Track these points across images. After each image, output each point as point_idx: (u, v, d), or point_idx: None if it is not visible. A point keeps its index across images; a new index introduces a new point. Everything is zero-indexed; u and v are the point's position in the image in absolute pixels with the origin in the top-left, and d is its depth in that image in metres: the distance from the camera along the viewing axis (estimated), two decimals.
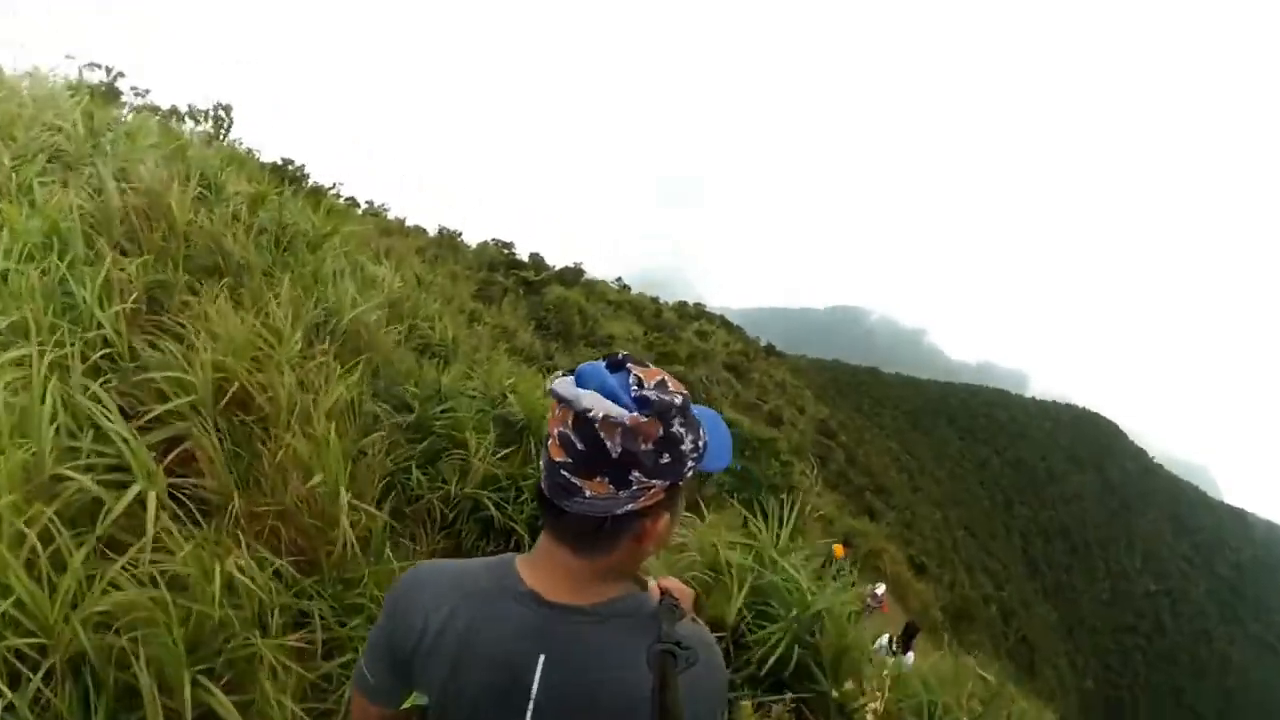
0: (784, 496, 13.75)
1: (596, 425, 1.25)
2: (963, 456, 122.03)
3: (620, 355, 1.36)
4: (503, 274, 35.86)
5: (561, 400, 1.28)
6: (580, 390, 1.27)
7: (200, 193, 6.49)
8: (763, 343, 71.19)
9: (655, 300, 58.84)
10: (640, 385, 1.29)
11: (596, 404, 1.24)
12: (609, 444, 1.26)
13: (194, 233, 5.69)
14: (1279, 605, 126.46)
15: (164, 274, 5.01)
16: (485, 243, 43.18)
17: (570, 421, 1.28)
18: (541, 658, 1.31)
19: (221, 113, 17.50)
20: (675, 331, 50.20)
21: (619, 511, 1.31)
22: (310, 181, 22.23)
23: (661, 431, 1.28)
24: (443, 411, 5.81)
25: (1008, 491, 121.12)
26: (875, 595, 15.93)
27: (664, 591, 1.46)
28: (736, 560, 5.41)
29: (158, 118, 11.60)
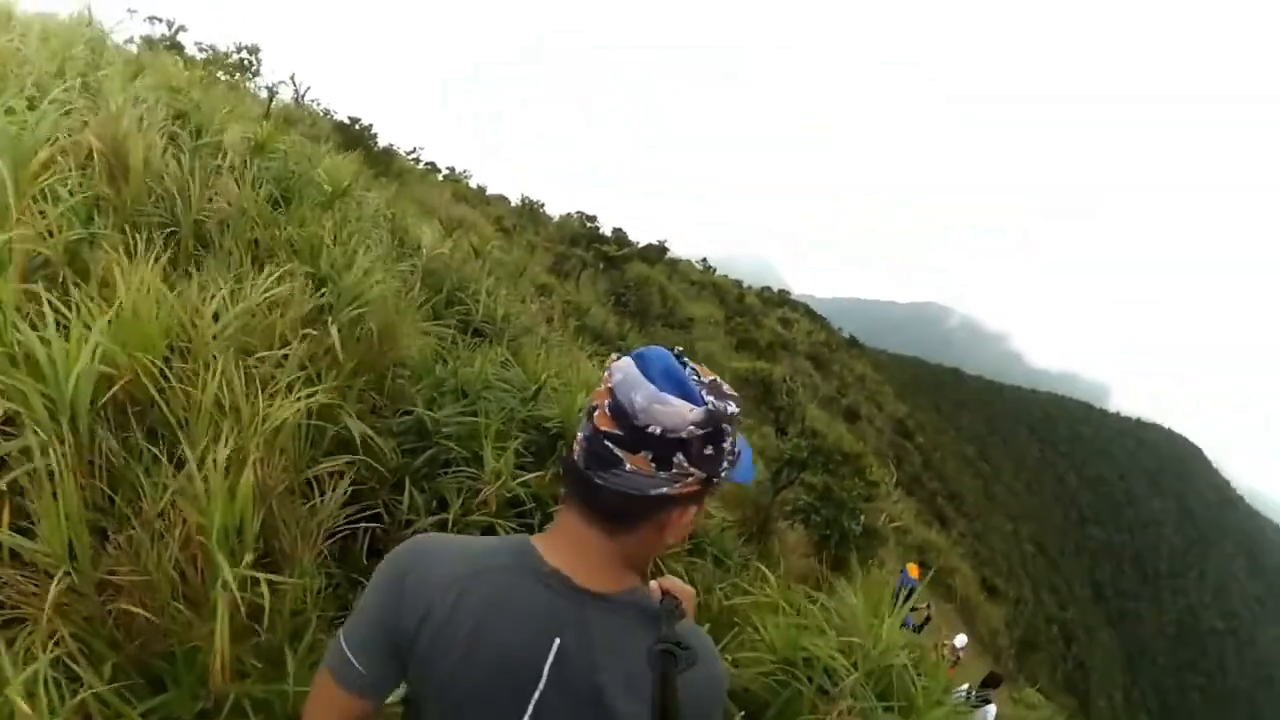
0: (862, 516, 13.50)
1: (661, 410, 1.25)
2: (1040, 468, 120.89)
3: (677, 349, 1.36)
4: (583, 248, 34.24)
5: (622, 385, 1.27)
6: (639, 374, 1.27)
7: (177, 137, 5.78)
8: (845, 334, 70.68)
9: (739, 284, 58.58)
10: (698, 376, 1.32)
11: (657, 402, 1.24)
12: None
13: (158, 183, 4.89)
14: None
15: (100, 229, 4.11)
16: (568, 215, 42.05)
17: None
18: (556, 642, 1.29)
19: (246, 55, 16.66)
20: (758, 317, 49.74)
21: (653, 492, 1.30)
22: (382, 143, 21.68)
23: (714, 425, 1.29)
24: (462, 411, 4.99)
25: (1083, 509, 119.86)
26: (956, 649, 15.26)
27: (665, 591, 1.45)
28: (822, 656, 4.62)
29: (180, 59, 10.80)
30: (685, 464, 1.28)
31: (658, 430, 1.25)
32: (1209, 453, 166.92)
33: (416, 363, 5.37)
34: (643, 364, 1.30)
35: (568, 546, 1.37)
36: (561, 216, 42.01)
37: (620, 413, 1.26)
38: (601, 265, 34.18)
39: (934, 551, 32.71)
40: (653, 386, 1.26)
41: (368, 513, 3.96)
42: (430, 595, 1.33)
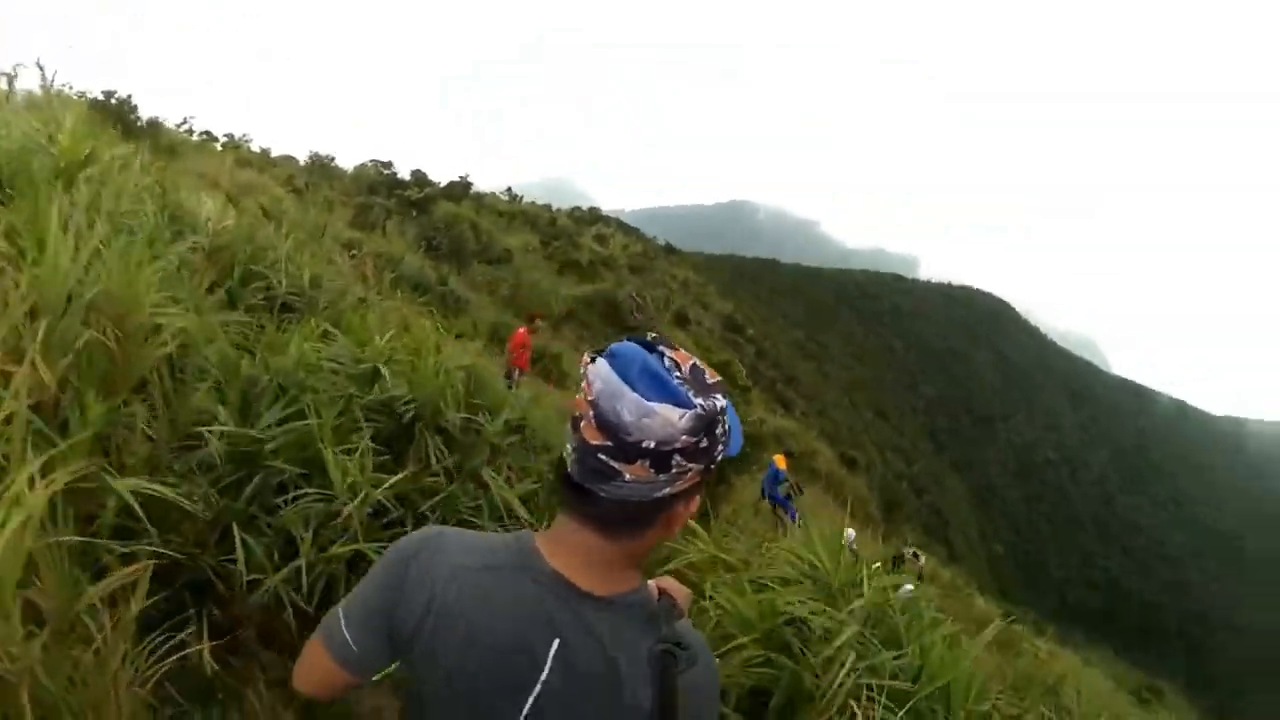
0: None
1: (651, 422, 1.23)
2: (866, 340, 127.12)
3: (650, 336, 1.34)
4: (384, 196, 34.36)
5: (605, 395, 1.23)
6: (619, 381, 1.23)
7: None
8: (660, 242, 71.04)
9: (549, 208, 58.15)
10: (677, 369, 1.29)
11: (644, 413, 1.22)
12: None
13: None
14: (1178, 470, 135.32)
15: None
16: (363, 165, 41.51)
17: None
18: (555, 642, 1.28)
19: None
20: (574, 238, 49.56)
21: (656, 495, 1.30)
22: (146, 118, 20.78)
23: (706, 426, 1.27)
24: (286, 414, 4.00)
25: (911, 371, 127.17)
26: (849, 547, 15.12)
27: (662, 591, 1.45)
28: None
29: None
30: (683, 462, 1.27)
31: (651, 444, 1.23)
32: (1015, 304, 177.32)
33: (216, 363, 4.16)
34: (618, 365, 1.26)
35: (568, 548, 1.36)
36: (356, 167, 41.04)
37: (608, 426, 1.23)
38: (408, 211, 33.58)
39: (791, 438, 33.57)
40: (636, 395, 1.22)
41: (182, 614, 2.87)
42: (432, 586, 1.34)
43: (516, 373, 14.41)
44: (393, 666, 1.41)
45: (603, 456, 1.25)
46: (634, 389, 1.22)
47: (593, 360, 1.28)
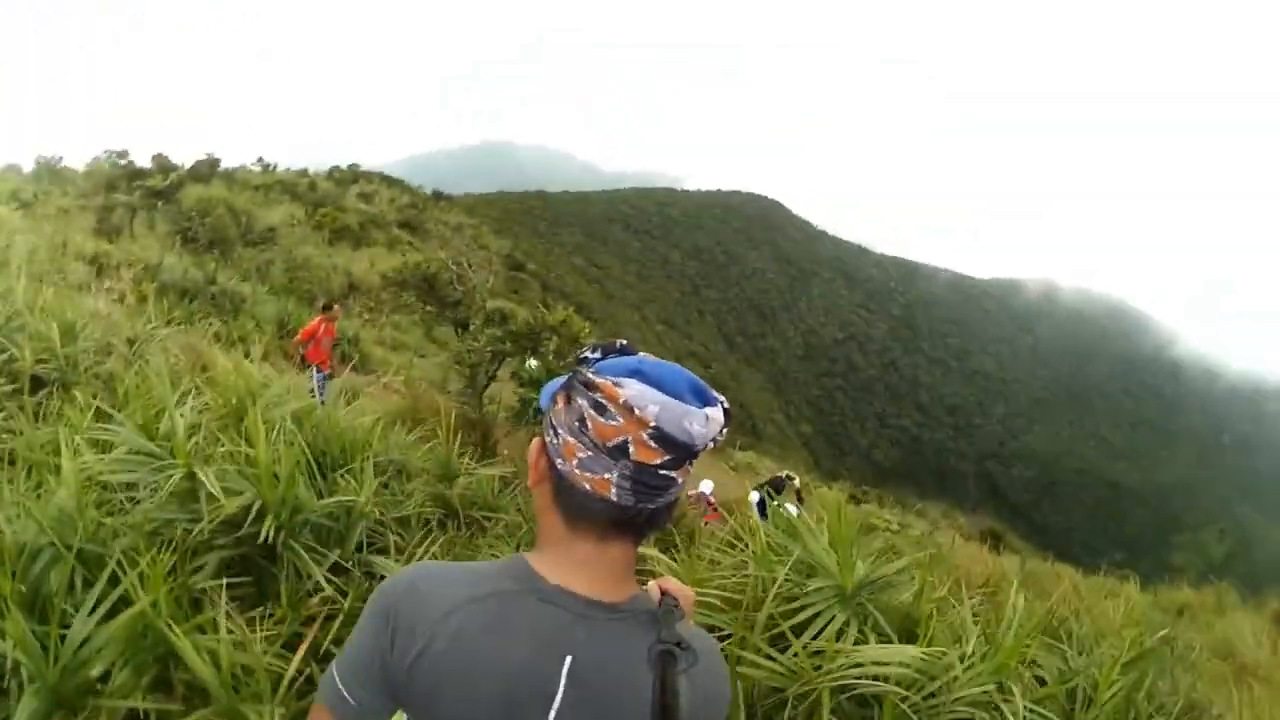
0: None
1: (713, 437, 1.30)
2: (644, 256, 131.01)
3: (620, 343, 1.38)
4: (125, 191, 31.56)
5: (668, 418, 1.24)
6: (674, 400, 1.25)
7: None
8: (427, 191, 69.50)
9: (304, 173, 54.92)
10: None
11: (709, 423, 1.28)
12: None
13: None
14: (948, 330, 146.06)
15: None
16: (95, 159, 38.31)
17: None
18: (568, 660, 1.26)
19: None
20: (339, 201, 47.70)
21: (682, 488, 1.35)
22: None
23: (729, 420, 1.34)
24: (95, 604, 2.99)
25: (693, 280, 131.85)
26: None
27: (664, 592, 1.43)
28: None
29: None
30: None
31: (711, 446, 1.30)
32: (788, 204, 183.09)
33: None
34: (664, 386, 1.27)
35: (574, 565, 1.34)
36: (88, 163, 37.71)
37: (670, 442, 1.24)
38: (155, 203, 30.90)
39: None
40: (696, 409, 1.26)
41: None
42: (428, 626, 1.29)
43: (314, 373, 12.97)
44: (396, 716, 1.36)
45: (664, 471, 1.27)
46: (688, 403, 1.26)
47: (614, 383, 1.26)
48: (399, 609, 1.32)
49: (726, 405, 1.31)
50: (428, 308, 23.67)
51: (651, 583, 1.49)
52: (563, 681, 1.25)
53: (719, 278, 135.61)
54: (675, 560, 4.38)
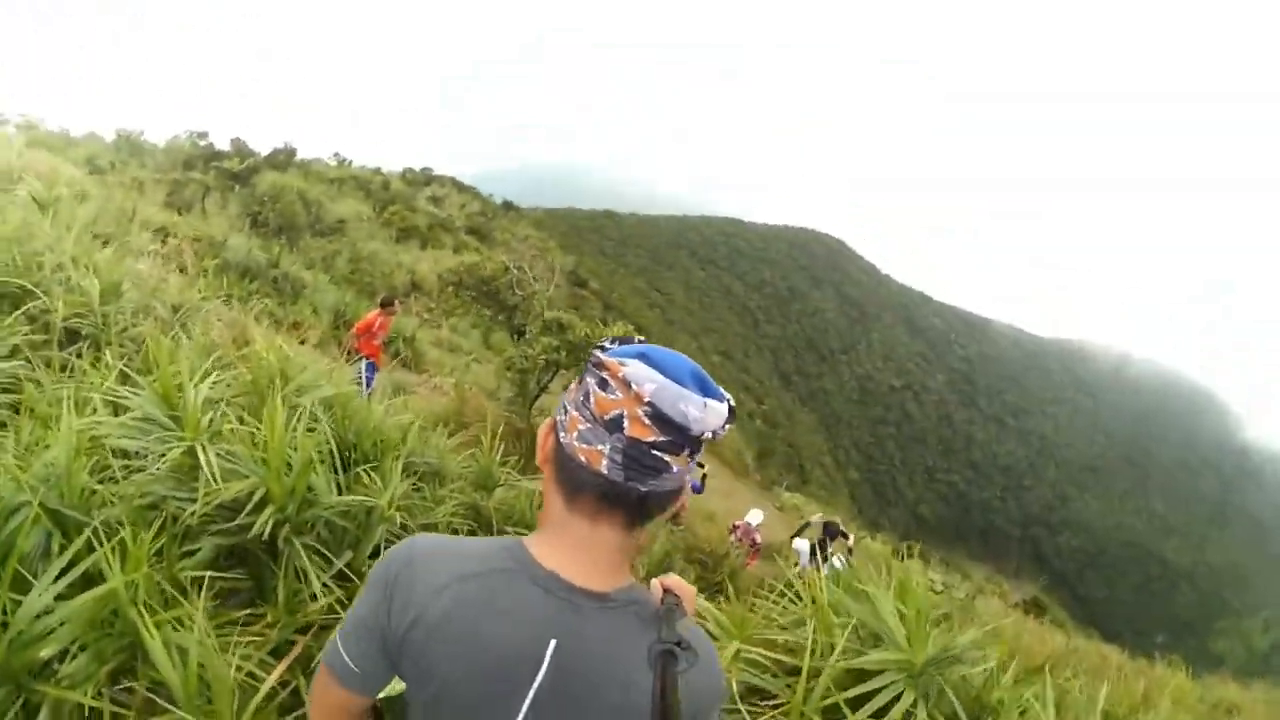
0: None
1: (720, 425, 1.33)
2: (707, 285, 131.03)
3: (638, 339, 1.41)
4: (201, 170, 31.56)
5: (664, 395, 1.27)
6: (672, 382, 1.29)
7: None
8: (497, 200, 70.20)
9: (379, 171, 55.87)
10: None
11: (707, 410, 1.30)
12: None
13: None
14: (1006, 388, 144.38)
15: None
16: (175, 137, 38.34)
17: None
18: (552, 643, 1.29)
19: None
20: (409, 202, 48.32)
21: (682, 481, 1.36)
22: None
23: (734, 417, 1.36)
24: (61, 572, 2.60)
25: (754, 313, 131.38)
26: (751, 532, 13.15)
27: (666, 590, 1.45)
28: None
29: None
30: (701, 449, 1.36)
31: (709, 434, 1.31)
32: (850, 243, 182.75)
33: None
34: (664, 368, 1.30)
35: (568, 549, 1.37)
36: (168, 140, 37.83)
37: (666, 422, 1.27)
38: (230, 184, 31.13)
39: None
40: (696, 394, 1.29)
41: None
42: (423, 597, 1.33)
43: (363, 365, 12.57)
44: (394, 684, 1.42)
45: (657, 452, 1.29)
46: (688, 388, 1.29)
47: (619, 361, 1.30)
48: (398, 579, 1.37)
49: (732, 403, 1.34)
50: (484, 310, 23.11)
51: (654, 580, 1.51)
52: (544, 664, 1.27)
53: (780, 313, 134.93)
54: (720, 609, 4.18)
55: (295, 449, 3.50)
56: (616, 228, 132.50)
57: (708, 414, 1.29)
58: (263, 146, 40.82)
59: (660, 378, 1.28)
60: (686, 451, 1.32)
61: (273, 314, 14.58)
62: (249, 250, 19.51)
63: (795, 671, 3.74)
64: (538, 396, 12.00)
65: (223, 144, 38.73)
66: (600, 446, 1.30)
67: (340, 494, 3.76)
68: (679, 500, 1.40)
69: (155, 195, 24.49)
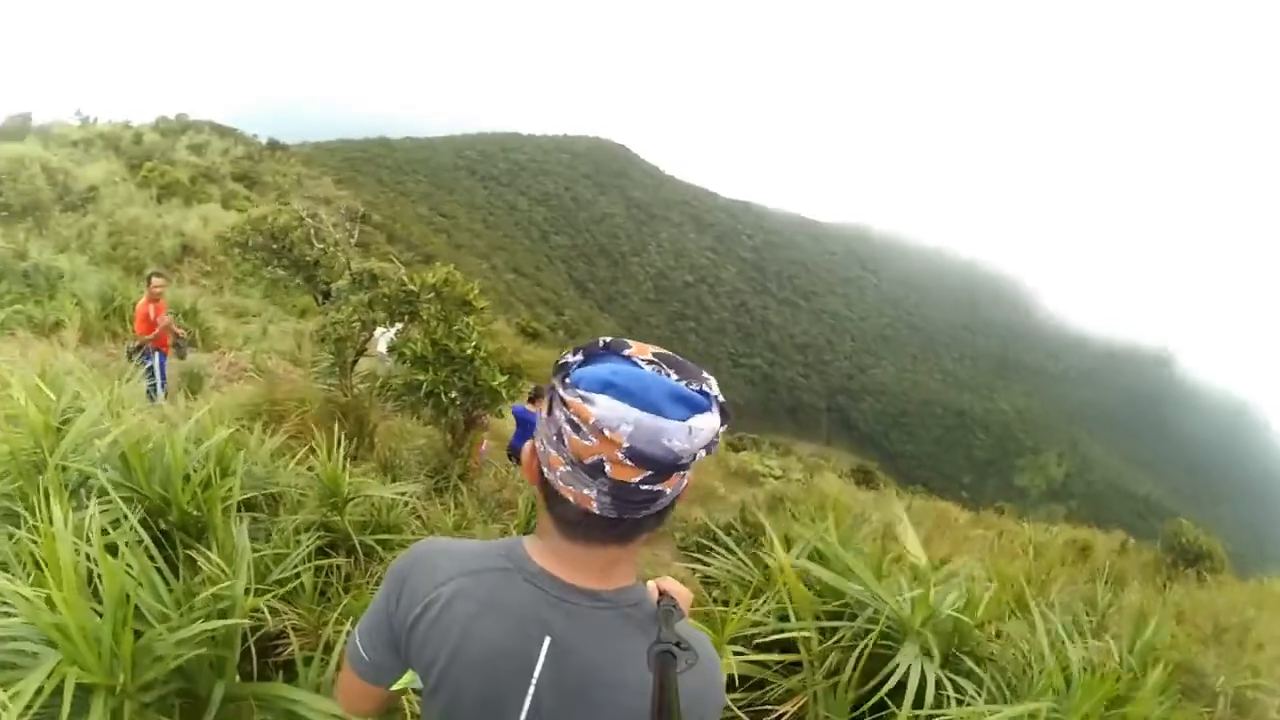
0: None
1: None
2: (491, 203, 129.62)
3: (605, 341, 1.33)
4: None
5: (643, 436, 1.20)
6: (647, 415, 1.20)
7: None
8: (262, 140, 66.12)
9: (128, 125, 50.17)
10: (656, 366, 1.28)
11: (693, 434, 1.23)
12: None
13: None
14: (796, 272, 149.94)
15: None
16: None
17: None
18: (547, 640, 1.30)
19: None
20: (167, 155, 44.55)
21: (680, 489, 1.33)
22: None
23: (727, 417, 1.32)
24: None
25: (542, 226, 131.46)
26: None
27: (662, 592, 1.44)
28: None
29: None
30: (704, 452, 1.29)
31: (701, 455, 1.25)
32: (635, 148, 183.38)
33: None
34: (633, 397, 1.21)
35: (560, 552, 1.37)
36: None
37: (652, 460, 1.21)
38: None
39: None
40: (674, 423, 1.21)
41: None
42: (426, 593, 1.37)
43: (156, 356, 11.75)
44: (408, 676, 1.46)
45: (645, 486, 1.25)
46: (667, 416, 1.21)
47: (584, 400, 1.22)
48: (407, 575, 1.43)
49: (722, 401, 1.29)
50: (279, 270, 21.44)
51: (650, 582, 1.51)
52: (540, 661, 1.30)
53: (568, 224, 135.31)
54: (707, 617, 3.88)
55: (100, 578, 2.64)
56: (391, 155, 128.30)
57: (694, 438, 1.22)
58: None
59: (635, 414, 1.20)
60: (679, 472, 1.27)
61: (30, 317, 13.48)
62: None
63: (795, 665, 3.70)
64: (356, 361, 10.77)
65: None
66: (587, 491, 1.26)
67: (179, 602, 2.98)
68: (679, 501, 1.38)
69: None
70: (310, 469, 4.76)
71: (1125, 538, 16.49)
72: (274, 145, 66.95)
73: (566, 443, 1.25)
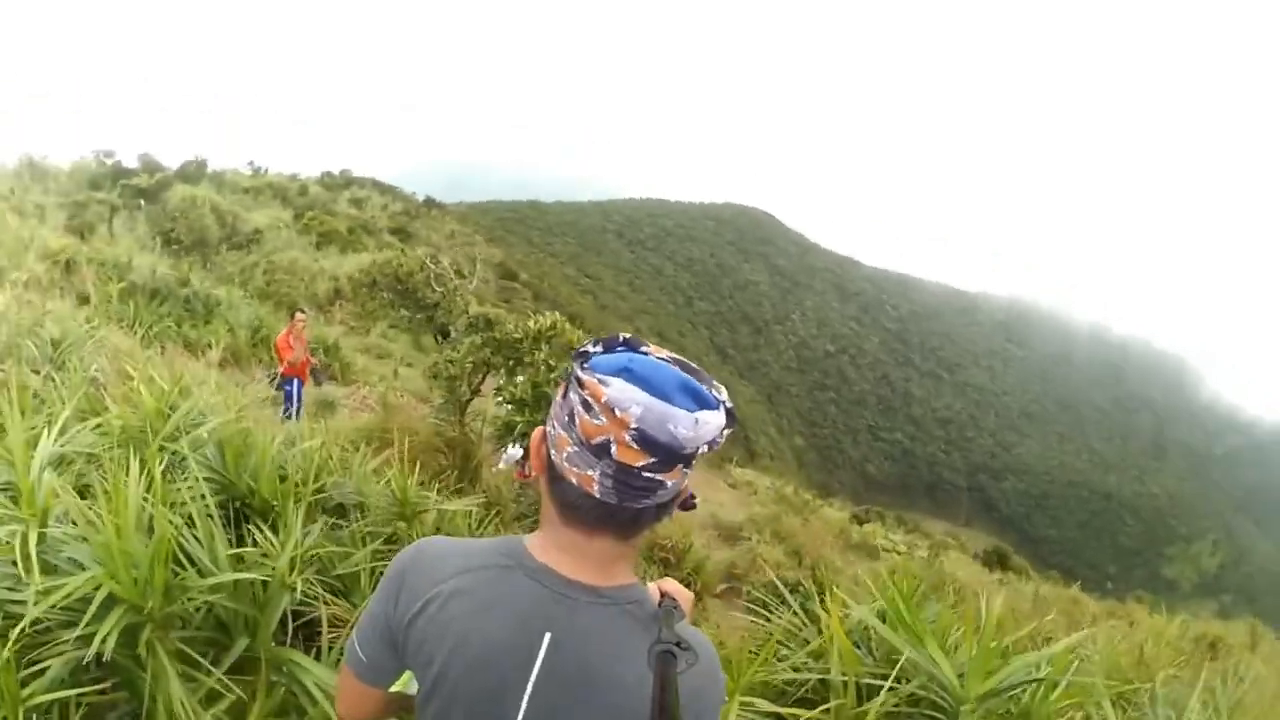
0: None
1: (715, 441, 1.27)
2: (637, 268, 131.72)
3: (625, 336, 1.34)
4: (109, 189, 30.97)
5: (651, 419, 1.21)
6: (659, 401, 1.21)
7: None
8: (420, 198, 69.06)
9: (295, 177, 54.13)
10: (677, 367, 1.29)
11: (699, 425, 1.23)
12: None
13: None
14: (939, 344, 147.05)
15: None
16: (81, 158, 37.46)
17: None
18: (547, 636, 1.29)
19: None
20: (328, 206, 47.05)
21: (681, 486, 1.34)
22: None
23: (732, 421, 1.32)
24: None
25: (686, 291, 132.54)
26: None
27: (664, 594, 1.43)
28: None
29: None
30: (705, 451, 1.30)
31: (704, 449, 1.26)
32: (780, 215, 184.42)
33: None
34: (649, 385, 1.23)
35: (561, 548, 1.36)
36: (73, 163, 36.90)
37: (654, 444, 1.22)
38: (139, 202, 30.24)
39: None
40: (684, 412, 1.22)
41: None
42: (425, 590, 1.35)
43: (295, 383, 12.54)
44: (407, 677, 1.42)
45: (648, 474, 1.25)
46: (676, 405, 1.22)
47: (599, 381, 1.23)
48: (407, 573, 1.40)
49: (729, 405, 1.29)
50: (402, 310, 21.99)
51: (651, 584, 1.48)
52: (540, 657, 1.28)
53: (712, 290, 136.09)
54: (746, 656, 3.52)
55: (148, 521, 2.90)
56: (541, 217, 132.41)
57: (699, 430, 1.22)
58: (173, 161, 39.83)
59: (645, 398, 1.21)
60: (681, 466, 1.27)
61: (185, 337, 14.01)
62: (155, 269, 18.34)
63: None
64: (470, 400, 11.02)
65: (131, 161, 37.84)
66: (590, 471, 1.26)
67: (232, 560, 3.14)
68: (674, 506, 1.36)
69: (56, 219, 23.45)
70: (387, 483, 4.74)
71: (1255, 624, 14.83)
72: (430, 203, 69.70)
73: (577, 423, 1.26)
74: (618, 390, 1.21)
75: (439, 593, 1.34)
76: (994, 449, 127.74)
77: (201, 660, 2.74)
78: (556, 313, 11.69)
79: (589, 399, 1.23)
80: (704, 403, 1.25)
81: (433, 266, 18.03)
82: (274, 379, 12.34)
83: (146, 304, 14.67)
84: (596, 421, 1.23)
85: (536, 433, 1.40)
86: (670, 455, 1.23)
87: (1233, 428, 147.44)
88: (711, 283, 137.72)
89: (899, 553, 20.79)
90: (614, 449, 1.23)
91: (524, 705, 1.27)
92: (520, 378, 10.35)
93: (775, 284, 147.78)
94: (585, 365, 1.28)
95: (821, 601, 4.11)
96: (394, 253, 24.38)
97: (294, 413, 11.97)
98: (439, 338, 17.28)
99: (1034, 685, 3.35)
